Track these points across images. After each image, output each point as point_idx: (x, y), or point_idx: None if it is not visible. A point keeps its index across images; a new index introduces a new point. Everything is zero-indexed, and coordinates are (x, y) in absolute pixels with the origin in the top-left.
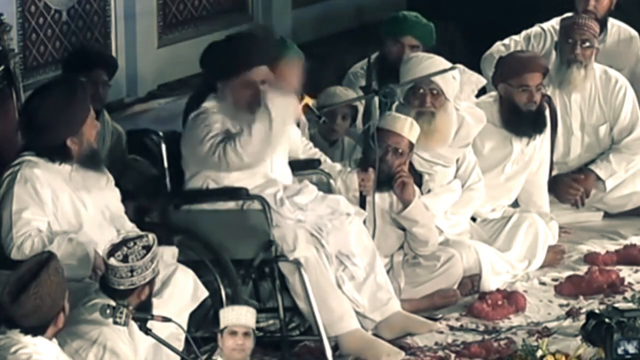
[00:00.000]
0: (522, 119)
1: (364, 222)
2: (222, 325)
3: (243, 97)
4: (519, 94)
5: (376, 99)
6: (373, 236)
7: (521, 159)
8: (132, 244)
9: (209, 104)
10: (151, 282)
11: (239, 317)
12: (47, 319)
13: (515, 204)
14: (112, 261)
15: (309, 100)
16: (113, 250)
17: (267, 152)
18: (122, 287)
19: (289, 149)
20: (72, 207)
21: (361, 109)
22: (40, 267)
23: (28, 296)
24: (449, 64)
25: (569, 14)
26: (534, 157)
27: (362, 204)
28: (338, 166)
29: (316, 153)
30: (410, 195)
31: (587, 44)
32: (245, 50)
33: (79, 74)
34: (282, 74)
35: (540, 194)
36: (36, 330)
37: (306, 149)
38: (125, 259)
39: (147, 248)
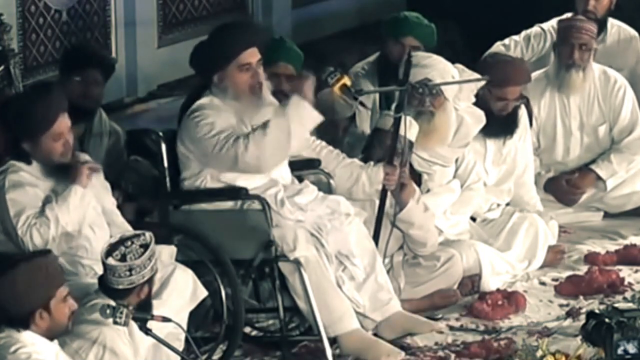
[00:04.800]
0: (492, 121)
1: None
2: None
3: (243, 81)
4: (495, 102)
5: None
6: (390, 233)
7: (501, 160)
8: (129, 242)
9: (204, 100)
10: (150, 281)
11: None
12: (22, 312)
13: None
14: (111, 261)
15: (347, 81)
16: (111, 249)
17: (282, 154)
18: (121, 287)
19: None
20: None
21: (359, 114)
22: (23, 260)
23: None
24: (447, 63)
25: (567, 15)
26: (517, 158)
27: (383, 199)
28: (357, 161)
29: (332, 150)
30: (407, 197)
31: (585, 47)
32: (231, 36)
33: (73, 73)
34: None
35: (530, 194)
36: (15, 322)
37: (314, 147)
38: (123, 258)
39: (145, 246)
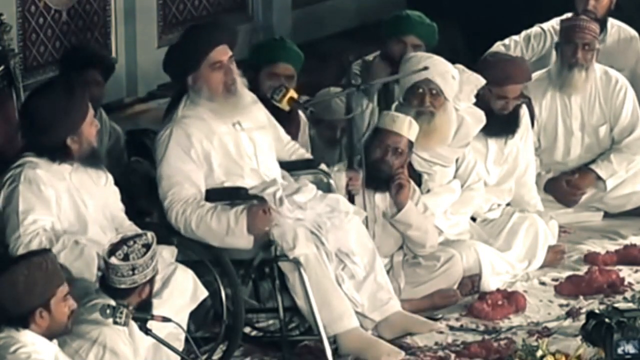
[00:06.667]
0: (493, 120)
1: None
2: None
3: (216, 80)
4: (496, 101)
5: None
6: (373, 237)
7: (503, 159)
8: (131, 242)
9: (183, 112)
10: (152, 281)
11: None
12: (22, 311)
13: None
14: (114, 260)
15: (293, 94)
16: (113, 249)
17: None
18: (123, 286)
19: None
20: (73, 207)
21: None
22: (23, 258)
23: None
24: (448, 63)
25: (569, 15)
26: (519, 158)
27: (352, 204)
28: (324, 166)
29: (303, 154)
30: (405, 199)
31: (588, 47)
32: (199, 36)
33: (72, 74)
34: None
35: (531, 194)
36: (15, 321)
37: (288, 149)
38: (126, 258)
39: (147, 246)
